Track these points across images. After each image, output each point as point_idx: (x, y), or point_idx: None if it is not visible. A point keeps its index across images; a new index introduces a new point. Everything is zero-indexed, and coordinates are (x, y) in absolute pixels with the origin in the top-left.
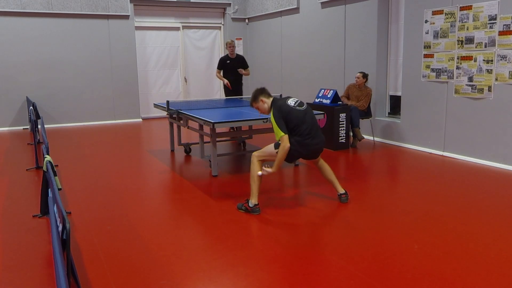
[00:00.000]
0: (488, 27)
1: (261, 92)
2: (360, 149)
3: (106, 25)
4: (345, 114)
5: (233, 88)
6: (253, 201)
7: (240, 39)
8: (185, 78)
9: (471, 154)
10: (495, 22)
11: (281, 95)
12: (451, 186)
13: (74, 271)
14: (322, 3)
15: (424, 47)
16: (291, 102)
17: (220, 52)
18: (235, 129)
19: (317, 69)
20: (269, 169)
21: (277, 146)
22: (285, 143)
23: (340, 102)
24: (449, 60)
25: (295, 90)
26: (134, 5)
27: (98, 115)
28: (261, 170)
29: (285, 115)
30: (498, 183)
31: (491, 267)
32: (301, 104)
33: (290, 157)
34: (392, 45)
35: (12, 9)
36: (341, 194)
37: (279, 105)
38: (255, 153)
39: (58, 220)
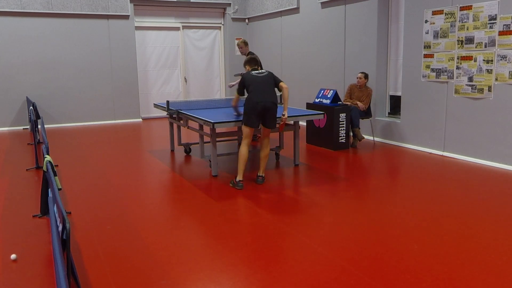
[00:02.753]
0: (488, 27)
1: (248, 62)
2: (360, 149)
3: (106, 25)
4: (345, 114)
5: None
6: (238, 177)
7: (240, 39)
8: (185, 78)
9: (471, 154)
10: (495, 22)
11: (281, 96)
12: (451, 186)
13: (74, 271)
14: (322, 3)
15: (424, 47)
16: (254, 71)
17: (220, 52)
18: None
19: (317, 69)
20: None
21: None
22: (233, 99)
23: (340, 102)
24: (449, 60)
25: (295, 90)
26: (134, 5)
27: (98, 115)
28: (247, 151)
29: (244, 79)
30: (498, 183)
31: (491, 267)
32: (261, 73)
33: (244, 117)
34: (392, 45)
35: (12, 9)
36: (259, 175)
37: (246, 74)
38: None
39: (58, 220)
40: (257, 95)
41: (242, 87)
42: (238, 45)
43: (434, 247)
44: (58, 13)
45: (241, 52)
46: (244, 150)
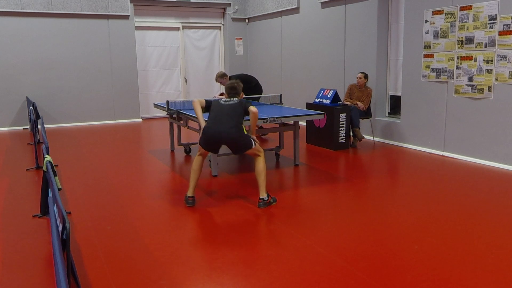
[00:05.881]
0: (488, 27)
1: (227, 90)
2: (360, 149)
3: (106, 25)
4: (345, 114)
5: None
6: (188, 193)
7: (240, 39)
8: (185, 78)
9: (471, 154)
10: (495, 22)
11: (280, 96)
12: (451, 186)
13: (74, 271)
14: (322, 3)
15: (424, 47)
16: (225, 99)
17: (220, 52)
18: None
19: (317, 69)
20: None
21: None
22: (196, 101)
23: (340, 102)
24: (449, 60)
25: (295, 90)
26: (134, 5)
27: (98, 115)
28: (198, 167)
29: (211, 104)
30: (498, 183)
31: (491, 267)
32: (229, 100)
33: (200, 139)
34: (392, 45)
35: (12, 9)
36: (259, 198)
37: (216, 100)
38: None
39: (58, 220)
40: (213, 125)
41: (209, 105)
42: (216, 81)
43: (434, 247)
44: (58, 13)
45: (222, 84)
46: (195, 165)
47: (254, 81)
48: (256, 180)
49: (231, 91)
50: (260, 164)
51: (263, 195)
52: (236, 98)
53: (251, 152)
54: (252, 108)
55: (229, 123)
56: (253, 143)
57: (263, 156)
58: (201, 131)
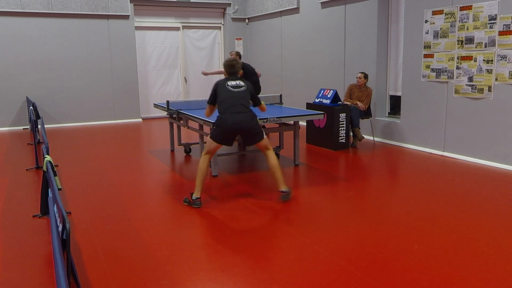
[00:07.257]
0: (488, 27)
1: (226, 67)
2: (360, 149)
3: (106, 25)
4: (345, 114)
5: None
6: (195, 194)
7: (240, 39)
8: (185, 78)
9: (471, 154)
10: (495, 22)
11: (280, 96)
12: (451, 186)
13: (74, 271)
14: (322, 3)
15: (424, 47)
16: (230, 82)
17: (220, 52)
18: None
19: (317, 69)
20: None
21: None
22: (206, 110)
23: (340, 102)
24: (449, 60)
25: (295, 90)
26: (134, 5)
27: (98, 115)
28: (206, 167)
29: (216, 88)
30: (498, 183)
31: (491, 267)
32: (237, 86)
33: (214, 133)
34: (392, 45)
35: (12, 9)
36: (281, 191)
37: (221, 82)
38: (203, 152)
39: (58, 220)
40: (231, 115)
41: (214, 96)
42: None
43: (434, 247)
44: (58, 13)
45: None
46: (203, 165)
47: (256, 78)
48: (273, 174)
49: (230, 69)
50: (274, 158)
51: (284, 187)
52: (243, 83)
53: (263, 143)
54: (264, 106)
55: (245, 112)
56: (264, 133)
57: (272, 150)
58: (217, 120)
